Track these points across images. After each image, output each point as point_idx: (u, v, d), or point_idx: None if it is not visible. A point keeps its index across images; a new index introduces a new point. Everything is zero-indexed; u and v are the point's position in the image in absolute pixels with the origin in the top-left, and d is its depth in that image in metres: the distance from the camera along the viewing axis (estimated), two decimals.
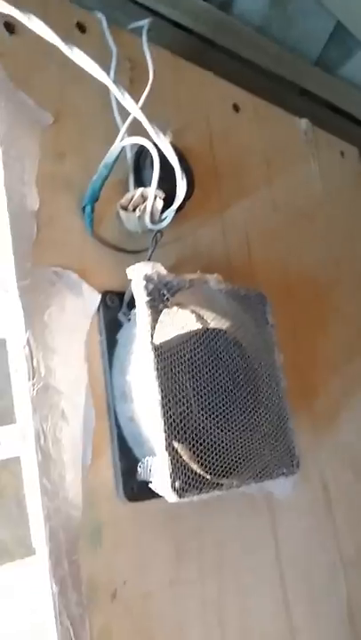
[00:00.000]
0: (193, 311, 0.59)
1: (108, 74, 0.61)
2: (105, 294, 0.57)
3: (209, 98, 0.79)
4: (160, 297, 0.53)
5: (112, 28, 0.67)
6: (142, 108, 0.60)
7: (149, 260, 0.58)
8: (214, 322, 0.60)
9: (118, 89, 0.52)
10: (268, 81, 1.30)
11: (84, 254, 0.57)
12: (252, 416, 0.59)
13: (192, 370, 0.54)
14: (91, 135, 0.61)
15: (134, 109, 0.54)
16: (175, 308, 0.56)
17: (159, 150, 0.56)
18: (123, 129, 0.58)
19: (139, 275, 0.52)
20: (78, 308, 0.53)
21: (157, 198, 0.58)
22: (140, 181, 0.63)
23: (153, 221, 0.59)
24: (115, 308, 0.57)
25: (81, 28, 0.64)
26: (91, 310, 0.55)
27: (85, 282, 0.55)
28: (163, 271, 0.55)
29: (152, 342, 0.51)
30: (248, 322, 0.64)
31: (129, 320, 0.56)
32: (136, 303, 0.52)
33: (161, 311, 0.53)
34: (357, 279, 0.94)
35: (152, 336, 0.51)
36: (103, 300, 0.56)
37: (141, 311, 0.51)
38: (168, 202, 0.60)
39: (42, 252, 0.53)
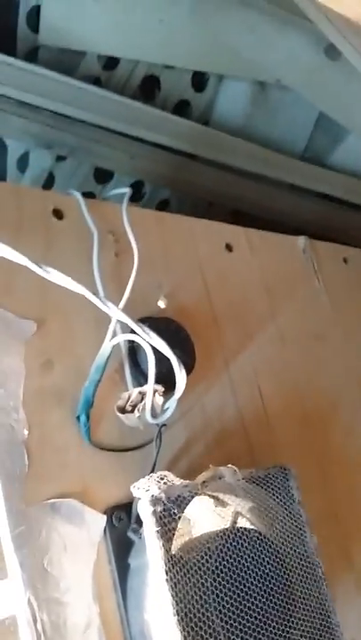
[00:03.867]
0: (212, 504, 0.54)
1: (91, 259, 0.58)
2: (111, 513, 0.51)
3: (199, 246, 0.75)
4: (171, 518, 0.48)
5: (90, 203, 0.65)
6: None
7: (155, 467, 0.53)
8: (238, 519, 0.55)
9: (99, 299, 0.49)
10: (256, 183, 1.30)
11: (83, 469, 0.52)
12: (287, 624, 0.53)
13: (216, 591, 0.48)
14: (79, 334, 0.57)
15: (119, 315, 0.50)
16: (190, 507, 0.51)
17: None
18: (110, 328, 0.55)
19: (144, 500, 0.47)
20: (82, 540, 0.48)
21: (157, 394, 0.54)
22: (139, 370, 0.59)
23: (154, 416, 0.55)
24: (123, 525, 0.52)
25: (58, 214, 0.62)
26: (96, 537, 0.50)
27: (87, 505, 0.50)
28: (171, 479, 0.50)
29: (167, 580, 0.45)
30: (274, 507, 0.58)
31: (140, 537, 0.51)
32: (145, 533, 0.47)
33: (173, 533, 0.48)
34: None
35: (166, 572, 0.45)
36: (109, 520, 0.51)
37: (152, 544, 0.46)
38: (169, 386, 0.55)
39: (36, 483, 0.49)
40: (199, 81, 1.23)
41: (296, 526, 0.59)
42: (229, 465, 0.55)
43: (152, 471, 0.53)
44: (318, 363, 0.82)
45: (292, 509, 0.59)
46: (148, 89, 1.19)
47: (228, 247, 0.80)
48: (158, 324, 0.61)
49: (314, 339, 0.84)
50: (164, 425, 0.55)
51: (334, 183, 1.35)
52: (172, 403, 0.55)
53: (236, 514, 0.56)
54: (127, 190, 0.67)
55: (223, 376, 0.69)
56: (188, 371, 0.62)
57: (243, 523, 0.56)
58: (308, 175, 1.34)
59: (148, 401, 0.53)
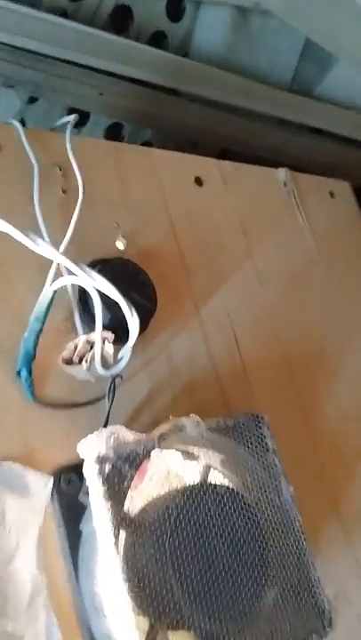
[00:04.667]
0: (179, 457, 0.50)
1: (32, 194, 0.52)
2: (59, 475, 0.47)
3: (164, 180, 0.69)
4: (121, 477, 0.43)
5: (33, 134, 0.58)
6: (77, 228, 0.51)
7: (107, 423, 0.48)
8: (209, 473, 0.51)
9: (28, 237, 0.43)
10: (243, 119, 1.22)
11: (27, 429, 0.47)
12: (261, 583, 0.49)
13: (175, 554, 0.44)
14: (18, 279, 0.51)
15: (55, 255, 0.44)
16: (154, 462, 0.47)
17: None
18: (51, 271, 0.49)
19: (90, 458, 0.42)
20: (23, 506, 0.44)
21: (106, 342, 0.48)
22: (91, 317, 0.53)
23: (106, 367, 0.49)
24: (73, 487, 0.47)
25: None
26: (41, 502, 0.45)
27: (31, 468, 0.45)
28: (123, 434, 0.45)
29: (115, 544, 0.41)
30: (245, 458, 0.53)
31: None
32: (90, 495, 0.42)
33: (124, 493, 0.43)
34: None
35: (115, 535, 0.41)
36: (57, 484, 0.46)
37: (99, 506, 0.41)
38: (125, 333, 0.50)
39: None
40: (175, 9, 1.14)
41: (270, 477, 0.54)
42: (192, 415, 0.50)
43: (104, 427, 0.48)
44: (300, 305, 0.76)
45: (265, 459, 0.55)
46: (120, 20, 1.10)
47: (198, 181, 0.73)
48: (113, 266, 0.56)
49: (295, 279, 0.78)
50: (119, 376, 0.50)
51: (324, 115, 1.26)
52: (126, 351, 0.49)
53: (207, 467, 0.52)
54: (72, 117, 0.60)
55: (193, 322, 0.64)
56: (149, 316, 0.57)
57: (215, 476, 0.51)
58: (296, 108, 1.25)
59: (97, 350, 0.48)
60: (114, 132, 1.22)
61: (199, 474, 0.51)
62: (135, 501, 0.44)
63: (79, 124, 1.19)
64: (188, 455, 0.51)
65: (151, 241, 0.64)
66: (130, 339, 0.48)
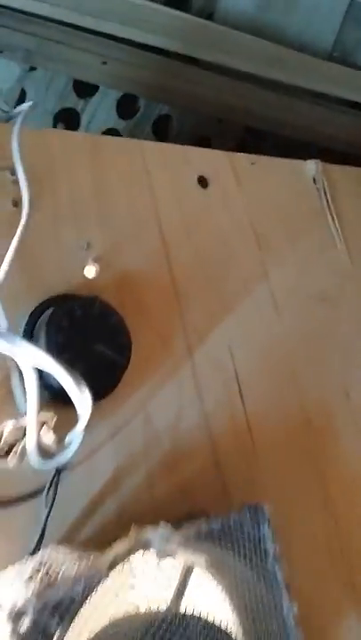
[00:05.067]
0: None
1: None
2: None
3: (157, 182, 0.54)
4: (45, 637, 0.30)
5: None
6: (28, 254, 0.38)
7: (40, 543, 0.35)
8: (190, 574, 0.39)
9: None
10: (273, 93, 1.08)
11: None
12: None
13: None
14: None
15: None
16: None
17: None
18: None
19: (1, 612, 0.30)
20: None
21: (45, 428, 0.35)
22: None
23: (47, 458, 0.36)
24: None
25: None
26: None
27: None
28: (59, 563, 0.33)
29: None
30: (235, 569, 0.41)
31: None
32: None
33: None
34: None
35: None
36: None
37: None
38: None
39: None
40: None
41: (268, 593, 0.42)
42: (161, 524, 0.37)
43: (37, 547, 0.35)
44: (326, 334, 0.62)
45: (264, 569, 0.42)
46: None
47: (202, 181, 0.58)
48: (71, 308, 0.42)
49: (321, 302, 0.63)
50: (65, 467, 0.37)
51: None
52: (75, 436, 0.36)
53: (188, 569, 0.40)
54: (26, 106, 0.46)
55: (183, 369, 0.50)
56: (120, 371, 0.43)
57: (198, 575, 0.39)
58: (336, 79, 1.09)
59: (29, 440, 0.34)
60: (127, 105, 1.09)
61: (173, 588, 0.39)
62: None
63: (86, 96, 1.07)
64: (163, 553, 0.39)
65: (133, 263, 0.50)
66: (79, 421, 0.35)
